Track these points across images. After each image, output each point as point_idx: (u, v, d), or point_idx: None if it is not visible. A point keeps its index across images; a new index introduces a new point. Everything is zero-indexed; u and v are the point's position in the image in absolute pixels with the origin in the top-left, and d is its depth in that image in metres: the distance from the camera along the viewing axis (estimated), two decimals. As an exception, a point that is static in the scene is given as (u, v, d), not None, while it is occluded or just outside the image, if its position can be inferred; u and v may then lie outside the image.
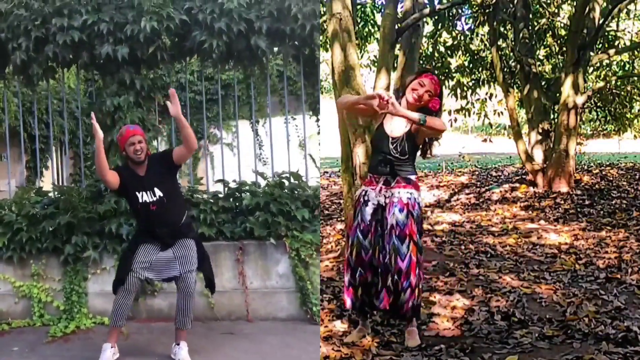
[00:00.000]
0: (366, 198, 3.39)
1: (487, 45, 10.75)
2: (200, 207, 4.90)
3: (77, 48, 4.94)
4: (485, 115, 11.87)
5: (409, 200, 3.30)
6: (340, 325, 3.64)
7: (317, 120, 5.87)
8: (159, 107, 5.31)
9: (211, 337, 4.31)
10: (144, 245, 3.79)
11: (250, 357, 3.90)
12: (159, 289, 4.81)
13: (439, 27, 10.29)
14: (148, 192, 3.76)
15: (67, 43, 4.85)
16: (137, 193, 3.75)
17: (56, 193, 5.17)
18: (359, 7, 10.20)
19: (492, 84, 11.39)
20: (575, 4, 9.86)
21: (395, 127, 3.37)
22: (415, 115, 3.16)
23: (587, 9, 8.41)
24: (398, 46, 6.07)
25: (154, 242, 3.79)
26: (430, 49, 10.96)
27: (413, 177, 3.39)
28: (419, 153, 3.47)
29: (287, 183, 5.03)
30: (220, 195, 5.11)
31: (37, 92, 5.82)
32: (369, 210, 3.36)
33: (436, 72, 10.71)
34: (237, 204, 5.05)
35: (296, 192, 5.02)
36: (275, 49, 5.19)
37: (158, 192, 3.76)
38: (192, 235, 3.93)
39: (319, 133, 5.91)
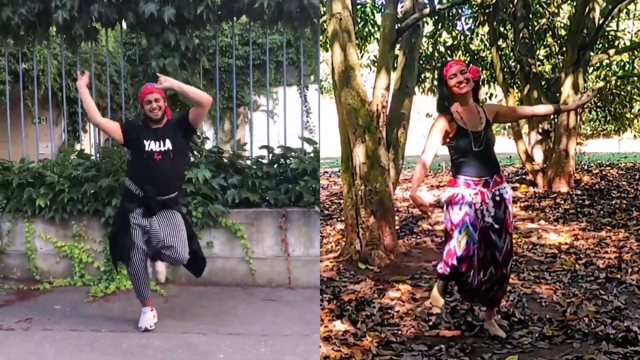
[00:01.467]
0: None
1: (487, 45, 10.75)
2: (245, 172, 4.86)
3: (121, 7, 4.82)
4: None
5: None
6: (340, 325, 3.64)
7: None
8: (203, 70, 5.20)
9: (252, 303, 4.35)
10: (131, 213, 3.73)
11: (292, 323, 3.89)
12: None
13: (439, 27, 10.29)
14: (158, 142, 3.70)
15: (112, 2, 4.76)
16: (145, 141, 3.69)
17: (98, 155, 5.21)
18: (359, 7, 10.19)
19: (492, 84, 11.39)
20: (575, 4, 9.85)
21: (474, 121, 3.31)
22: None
23: (587, 9, 8.41)
24: (398, 46, 6.06)
25: (138, 208, 3.72)
26: (430, 49, 10.96)
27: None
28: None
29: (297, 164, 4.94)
30: (264, 162, 5.03)
31: (79, 54, 5.75)
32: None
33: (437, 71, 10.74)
34: (281, 170, 4.99)
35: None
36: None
37: (168, 144, 3.70)
38: (179, 209, 3.86)
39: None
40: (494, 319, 3.51)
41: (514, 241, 5.92)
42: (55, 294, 4.65)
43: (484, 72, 11.28)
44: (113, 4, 4.79)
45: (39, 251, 4.99)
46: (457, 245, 3.23)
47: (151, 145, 3.68)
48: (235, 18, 5.25)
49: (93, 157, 5.26)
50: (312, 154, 5.00)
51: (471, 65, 3.35)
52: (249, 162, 5.07)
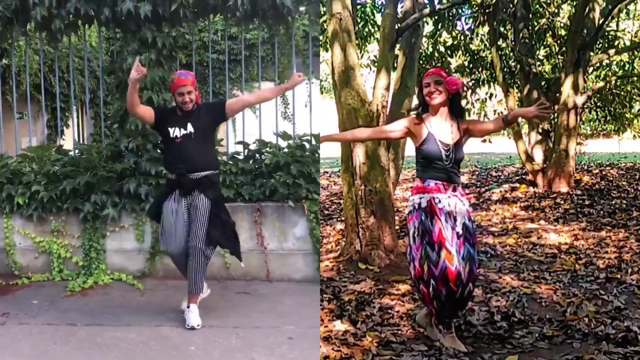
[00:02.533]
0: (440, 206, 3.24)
1: (487, 45, 10.75)
2: (221, 169, 4.87)
3: (99, 3, 4.86)
4: (485, 115, 11.88)
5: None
6: (340, 325, 3.64)
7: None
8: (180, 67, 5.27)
9: (226, 296, 4.41)
10: (168, 192, 3.89)
11: (266, 316, 3.97)
12: None
13: (439, 27, 10.29)
14: (181, 128, 3.83)
15: None
16: (169, 128, 3.84)
17: (76, 152, 5.25)
18: (359, 7, 10.19)
19: (492, 84, 11.39)
20: (575, 4, 9.86)
21: (444, 135, 3.30)
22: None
23: (587, 9, 8.41)
24: (398, 46, 6.06)
25: (175, 188, 3.85)
26: (430, 49, 10.96)
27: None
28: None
29: (308, 145, 5.09)
30: (240, 157, 5.16)
31: (59, 50, 5.78)
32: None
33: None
34: (256, 166, 5.10)
35: (317, 154, 5.08)
36: (302, 8, 5.10)
37: (189, 128, 3.82)
38: (211, 195, 3.86)
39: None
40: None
41: (513, 241, 5.96)
42: (33, 289, 4.68)
43: (483, 72, 11.29)
44: (91, 0, 4.83)
45: (17, 247, 5.01)
46: (449, 260, 3.14)
47: (175, 132, 3.83)
48: (211, 15, 5.37)
49: (72, 153, 5.30)
50: (286, 149, 5.12)
51: (452, 76, 3.30)
52: (225, 158, 5.20)
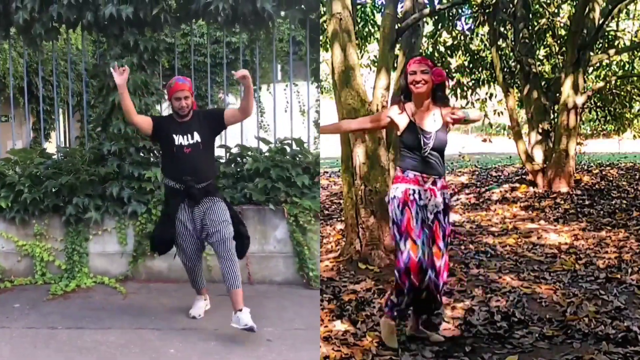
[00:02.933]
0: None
1: (487, 45, 10.75)
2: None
3: (81, 8, 4.88)
4: (485, 115, 11.87)
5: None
6: (340, 325, 3.64)
7: (318, 86, 5.91)
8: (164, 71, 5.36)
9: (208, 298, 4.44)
10: (178, 208, 3.82)
11: None
12: None
13: (439, 27, 10.29)
14: (186, 135, 3.77)
15: (72, 3, 4.81)
16: (174, 136, 3.77)
17: (60, 155, 5.28)
18: (359, 7, 10.19)
19: (492, 84, 11.39)
20: (575, 4, 9.86)
21: (425, 123, 3.29)
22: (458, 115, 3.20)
23: (587, 9, 8.41)
24: (398, 46, 6.06)
25: (182, 203, 3.81)
26: (430, 49, 10.96)
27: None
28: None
29: (288, 149, 5.15)
30: (222, 161, 5.21)
31: (44, 53, 5.84)
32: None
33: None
34: (238, 169, 5.15)
35: (297, 158, 5.13)
36: (282, 12, 5.16)
37: (196, 137, 3.77)
38: (220, 196, 3.91)
39: (317, 100, 5.94)
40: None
41: (513, 241, 5.96)
42: (15, 293, 4.66)
43: (484, 72, 11.29)
44: (72, 5, 4.85)
45: (0, 250, 4.99)
46: (414, 251, 3.17)
47: (180, 140, 3.77)
48: (193, 20, 5.43)
49: (55, 157, 5.32)
50: (267, 153, 5.18)
51: (438, 67, 3.28)
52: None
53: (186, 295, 4.30)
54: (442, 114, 3.26)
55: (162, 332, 3.83)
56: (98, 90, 5.28)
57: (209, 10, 4.83)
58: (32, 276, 4.91)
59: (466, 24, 11.42)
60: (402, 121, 3.28)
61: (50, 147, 6.07)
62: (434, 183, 3.24)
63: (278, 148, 5.17)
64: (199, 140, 3.78)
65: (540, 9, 10.51)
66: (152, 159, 5.10)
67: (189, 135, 3.78)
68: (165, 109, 6.19)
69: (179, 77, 3.90)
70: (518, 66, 9.44)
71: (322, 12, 7.03)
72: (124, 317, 4.07)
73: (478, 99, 11.92)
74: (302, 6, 5.05)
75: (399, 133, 3.32)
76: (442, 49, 11.05)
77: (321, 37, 7.67)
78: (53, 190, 4.88)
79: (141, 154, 5.08)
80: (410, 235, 3.17)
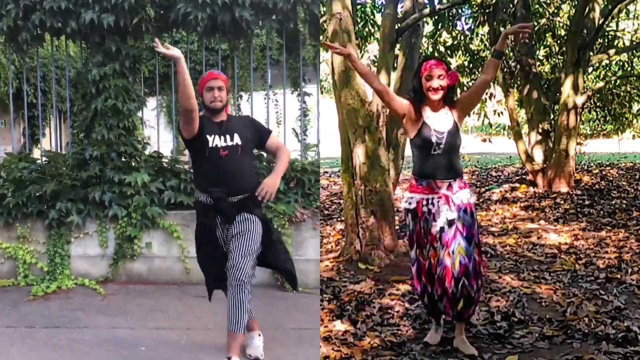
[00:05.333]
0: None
1: (487, 45, 10.75)
2: (181, 177, 5.17)
3: (64, 16, 5.01)
4: (485, 115, 11.87)
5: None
6: (340, 325, 3.64)
7: (299, 95, 5.95)
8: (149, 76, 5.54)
9: (184, 300, 4.57)
10: (215, 229, 3.27)
11: (217, 318, 3.87)
12: (138, 253, 5.07)
13: (439, 27, 10.28)
14: (224, 136, 3.22)
15: (54, 10, 4.93)
16: (208, 136, 3.20)
17: (43, 160, 5.39)
18: (359, 7, 10.18)
19: (492, 84, 11.38)
20: (575, 4, 9.85)
21: (438, 123, 3.22)
22: None
23: (587, 9, 8.41)
24: (398, 46, 6.06)
25: (215, 219, 3.25)
26: (430, 49, 10.95)
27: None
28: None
29: (265, 155, 5.21)
30: None
31: (34, 60, 5.99)
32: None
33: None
34: None
35: (273, 164, 5.11)
36: (260, 22, 5.26)
37: (236, 139, 3.23)
38: (259, 214, 3.30)
39: (299, 109, 5.99)
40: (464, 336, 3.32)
41: (513, 241, 5.96)
42: None
43: (484, 72, 11.26)
44: (55, 12, 4.95)
45: None
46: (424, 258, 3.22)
47: (215, 141, 3.21)
48: (173, 29, 5.55)
49: (39, 161, 5.40)
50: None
51: (452, 70, 3.25)
52: (187, 166, 5.30)
53: (163, 297, 4.48)
54: (453, 111, 3.24)
55: (136, 330, 3.95)
56: (81, 97, 5.40)
57: (188, 20, 4.92)
58: (15, 278, 5.01)
59: (466, 24, 11.40)
60: (417, 123, 3.20)
61: (39, 152, 6.16)
62: (449, 187, 3.17)
63: (255, 155, 5.12)
64: (239, 143, 3.22)
65: (540, 9, 10.51)
66: (133, 164, 5.21)
67: (228, 137, 3.22)
68: (148, 116, 6.32)
69: (214, 69, 3.50)
70: (518, 66, 9.44)
71: (322, 12, 7.03)
72: (101, 317, 4.20)
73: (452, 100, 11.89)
74: (279, 16, 5.13)
75: (411, 136, 3.25)
76: (442, 49, 11.04)
77: (321, 37, 7.67)
78: (36, 194, 5.00)
79: (122, 159, 5.18)
80: (420, 242, 3.23)
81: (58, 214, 5.00)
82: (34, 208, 5.03)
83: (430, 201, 3.17)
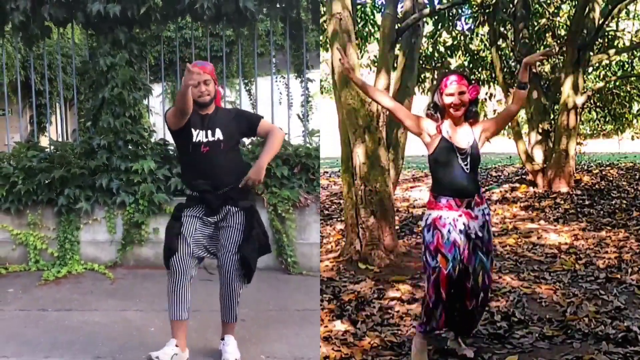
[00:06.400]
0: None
1: (487, 45, 10.75)
2: None
3: (71, 7, 5.19)
4: (485, 115, 11.87)
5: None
6: (340, 325, 3.64)
7: (302, 81, 6.11)
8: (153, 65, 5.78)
9: (191, 284, 4.42)
10: (187, 214, 3.22)
11: None
12: (146, 239, 5.23)
13: (439, 27, 10.28)
14: (207, 131, 3.19)
15: (62, 2, 5.11)
16: (193, 130, 3.18)
17: (52, 148, 5.55)
18: (359, 7, 10.18)
19: (492, 84, 11.39)
20: (575, 4, 9.85)
21: (460, 139, 3.09)
22: None
23: (587, 9, 8.41)
24: (398, 46, 6.06)
25: (198, 206, 3.22)
26: (430, 49, 10.96)
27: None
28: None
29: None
30: None
31: (41, 48, 6.15)
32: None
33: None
34: None
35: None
36: (264, 10, 5.45)
37: (218, 134, 3.20)
38: (244, 206, 3.25)
39: (302, 95, 6.12)
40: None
41: (513, 241, 5.96)
42: (10, 279, 4.94)
43: (483, 72, 11.28)
44: (63, 5, 5.13)
45: None
46: (446, 265, 2.99)
47: (199, 136, 3.19)
48: (179, 18, 5.74)
49: (47, 150, 5.57)
50: (249, 146, 5.39)
51: (474, 84, 3.15)
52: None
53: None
54: (474, 130, 3.11)
55: (144, 312, 4.10)
56: (88, 86, 5.56)
57: (194, 8, 5.08)
58: (26, 263, 5.19)
59: (466, 24, 11.42)
60: (436, 139, 3.08)
61: (46, 140, 6.33)
62: (469, 205, 3.04)
63: (259, 141, 5.27)
64: (221, 138, 3.19)
65: (540, 9, 10.51)
66: (139, 152, 5.36)
67: (210, 132, 3.19)
68: (153, 103, 6.49)
69: (198, 61, 3.37)
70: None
71: (322, 13, 7.03)
72: (110, 300, 4.35)
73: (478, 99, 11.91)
74: (283, 4, 5.33)
75: (430, 151, 3.11)
76: (442, 49, 11.05)
77: (321, 37, 7.67)
78: (46, 182, 5.14)
79: (129, 147, 5.32)
80: (441, 250, 3.00)
81: (67, 201, 5.17)
82: (43, 195, 5.18)
83: (449, 218, 3.02)
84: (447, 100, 3.03)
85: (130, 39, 5.28)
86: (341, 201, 7.07)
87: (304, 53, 5.86)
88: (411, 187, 9.78)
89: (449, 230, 2.99)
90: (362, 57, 11.51)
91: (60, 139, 6.17)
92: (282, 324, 3.84)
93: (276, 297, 4.43)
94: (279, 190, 5.15)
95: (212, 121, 3.23)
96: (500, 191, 8.95)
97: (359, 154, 5.11)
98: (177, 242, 3.20)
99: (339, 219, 7.21)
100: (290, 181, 5.28)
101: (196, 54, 10.79)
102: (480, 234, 3.04)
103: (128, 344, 3.53)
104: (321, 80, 15.71)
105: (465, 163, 3.03)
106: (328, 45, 6.01)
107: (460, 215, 3.01)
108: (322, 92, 16.69)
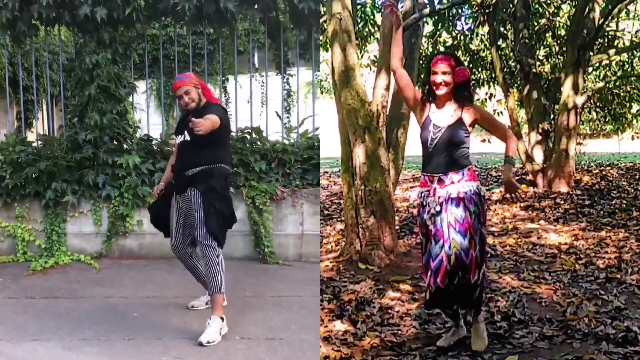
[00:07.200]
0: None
1: (487, 45, 10.75)
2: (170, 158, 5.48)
3: (59, 8, 5.36)
4: (485, 115, 11.86)
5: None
6: (340, 325, 3.64)
7: (283, 78, 6.40)
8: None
9: (173, 272, 4.86)
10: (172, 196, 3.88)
11: (203, 288, 4.13)
12: (130, 230, 5.43)
13: (439, 27, 10.28)
14: (182, 134, 3.75)
15: (50, 3, 5.26)
16: (179, 136, 3.81)
17: (39, 143, 5.74)
18: (359, 7, 10.19)
19: (492, 84, 11.38)
20: (575, 4, 9.85)
21: (440, 118, 3.23)
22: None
23: (587, 9, 8.40)
24: (398, 46, 6.05)
25: (172, 191, 3.86)
26: (430, 49, 10.95)
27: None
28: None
29: (248, 137, 5.65)
30: None
31: (28, 45, 6.34)
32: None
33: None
34: None
35: (256, 145, 5.66)
36: (244, 11, 5.65)
37: (186, 135, 3.70)
38: (202, 188, 3.65)
39: (285, 90, 6.42)
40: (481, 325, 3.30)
41: (513, 241, 5.96)
42: None
43: (483, 72, 11.27)
44: (51, 5, 5.28)
45: None
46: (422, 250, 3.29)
47: (179, 138, 3.80)
48: (162, 18, 5.96)
49: (34, 144, 5.74)
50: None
51: (461, 67, 3.22)
52: (175, 148, 5.58)
53: (154, 270, 5.00)
54: (464, 111, 3.18)
55: (129, 299, 4.35)
56: (75, 83, 5.74)
57: (176, 9, 5.29)
58: (14, 255, 5.38)
59: (466, 24, 11.43)
60: (422, 116, 3.28)
61: (33, 135, 6.53)
62: (440, 181, 3.16)
63: (239, 137, 5.63)
64: (187, 138, 3.69)
65: (540, 9, 10.51)
66: (124, 147, 5.56)
67: (186, 132, 3.67)
68: (138, 100, 6.71)
69: (179, 75, 3.89)
70: (518, 66, 9.44)
71: (323, 13, 7.03)
72: (96, 289, 4.60)
73: (478, 99, 11.90)
74: (261, 6, 5.56)
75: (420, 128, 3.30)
76: (442, 49, 11.04)
77: (321, 37, 7.69)
78: (33, 176, 5.31)
79: (115, 142, 5.52)
80: (421, 233, 3.30)
81: (54, 194, 5.34)
82: (31, 189, 5.34)
83: (422, 194, 3.25)
84: (432, 77, 3.19)
85: (115, 39, 5.47)
86: (341, 201, 7.06)
87: (281, 52, 6.06)
88: (411, 187, 9.78)
89: (419, 212, 3.25)
90: (362, 57, 11.52)
91: (44, 134, 6.37)
92: (256, 309, 4.12)
93: (253, 284, 4.69)
94: (257, 183, 5.42)
95: (188, 123, 3.52)
96: (500, 191, 8.94)
97: (359, 154, 5.11)
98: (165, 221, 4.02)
99: (339, 219, 7.21)
100: (268, 175, 5.57)
101: (180, 52, 10.96)
102: (451, 212, 3.07)
103: (112, 328, 3.75)
104: (321, 80, 15.71)
105: (439, 142, 3.16)
106: (328, 46, 6.01)
107: (429, 190, 3.20)
108: (322, 92, 16.69)
